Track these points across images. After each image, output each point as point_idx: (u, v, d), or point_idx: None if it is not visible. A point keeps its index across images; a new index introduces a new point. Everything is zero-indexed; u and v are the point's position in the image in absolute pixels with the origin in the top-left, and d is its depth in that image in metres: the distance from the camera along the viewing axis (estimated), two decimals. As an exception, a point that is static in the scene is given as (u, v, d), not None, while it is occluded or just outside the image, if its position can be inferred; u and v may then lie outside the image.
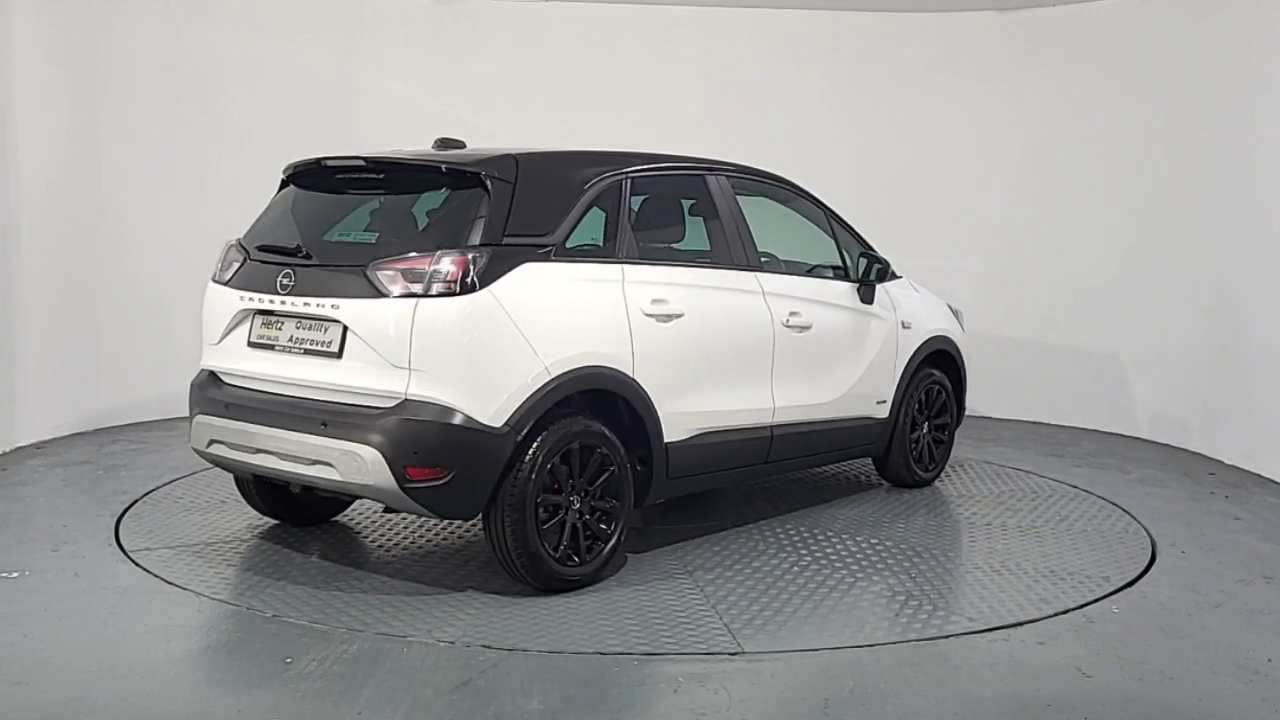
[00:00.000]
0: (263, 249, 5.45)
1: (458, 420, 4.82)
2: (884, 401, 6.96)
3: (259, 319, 5.31)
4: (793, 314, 6.25)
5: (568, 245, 5.24)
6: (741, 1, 9.58)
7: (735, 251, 6.10)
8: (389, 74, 9.48)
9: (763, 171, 6.63)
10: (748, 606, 5.05)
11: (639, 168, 5.75)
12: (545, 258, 5.11)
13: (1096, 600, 5.23)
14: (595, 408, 5.27)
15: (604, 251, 5.46)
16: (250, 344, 5.34)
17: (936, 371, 7.36)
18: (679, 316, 5.58)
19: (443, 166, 5.22)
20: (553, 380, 5.03)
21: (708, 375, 5.76)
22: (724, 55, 9.77)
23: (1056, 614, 5.04)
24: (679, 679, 4.26)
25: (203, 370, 5.63)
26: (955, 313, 7.69)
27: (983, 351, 9.78)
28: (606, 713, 3.98)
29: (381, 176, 5.56)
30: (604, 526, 5.30)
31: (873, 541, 6.11)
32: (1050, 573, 5.60)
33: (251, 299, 5.32)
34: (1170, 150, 8.75)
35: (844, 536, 6.18)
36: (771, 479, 7.17)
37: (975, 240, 9.75)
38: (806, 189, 6.88)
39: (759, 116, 9.68)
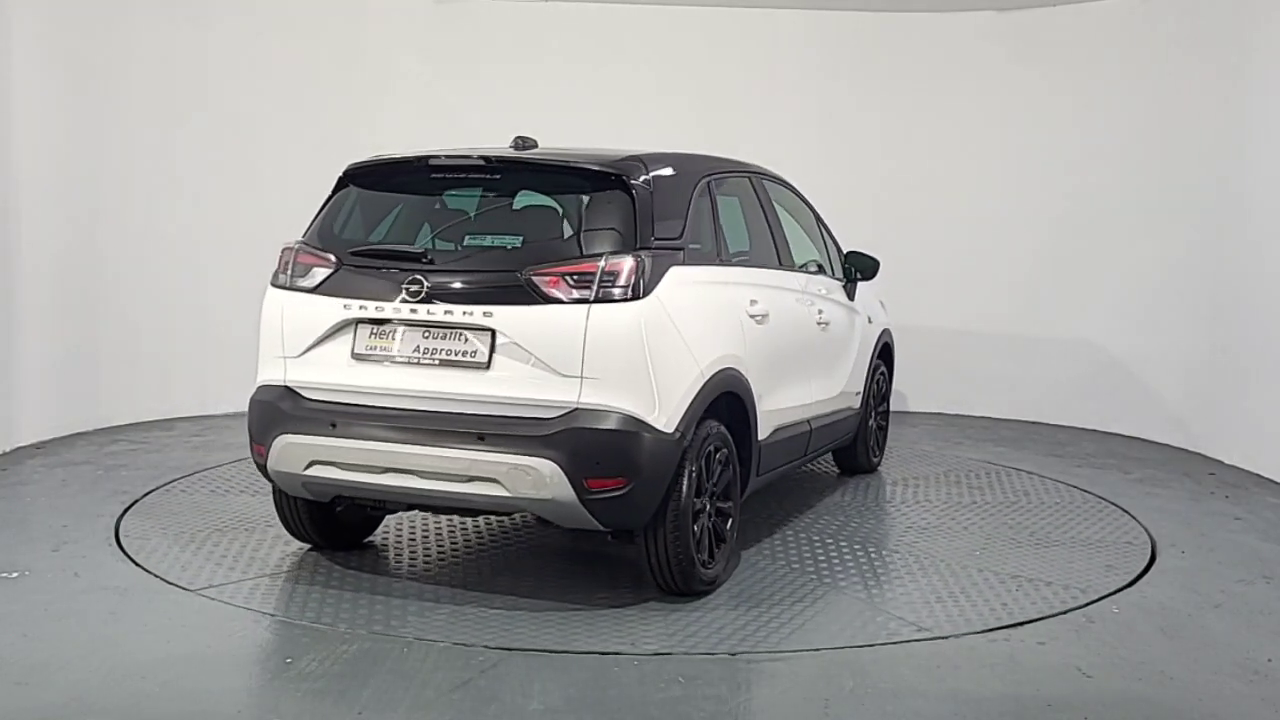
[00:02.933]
0: (369, 254, 5.11)
1: (637, 428, 4.71)
2: (858, 393, 7.26)
3: (367, 328, 4.97)
4: (820, 312, 6.50)
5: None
6: (741, 1, 9.58)
7: (781, 252, 6.29)
8: (389, 74, 9.48)
9: (766, 169, 6.69)
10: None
11: (714, 170, 5.80)
12: (682, 261, 5.08)
13: (1096, 600, 5.23)
14: (716, 410, 5.23)
15: (709, 254, 5.43)
16: (355, 356, 4.97)
17: (881, 363, 7.72)
18: (767, 317, 5.68)
19: (583, 167, 5.09)
20: (707, 384, 5.04)
21: (783, 374, 5.90)
22: (724, 55, 9.77)
23: (1056, 614, 5.04)
24: (679, 679, 4.26)
25: (270, 385, 5.17)
26: (881, 304, 7.93)
27: (983, 351, 9.81)
28: (606, 713, 3.98)
29: (498, 177, 5.26)
30: (724, 528, 5.31)
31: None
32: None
33: (363, 307, 4.95)
34: (1170, 150, 8.75)
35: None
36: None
37: (974, 240, 9.75)
38: (795, 185, 6.97)
39: (758, 116, 9.68)
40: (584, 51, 9.67)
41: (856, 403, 7.19)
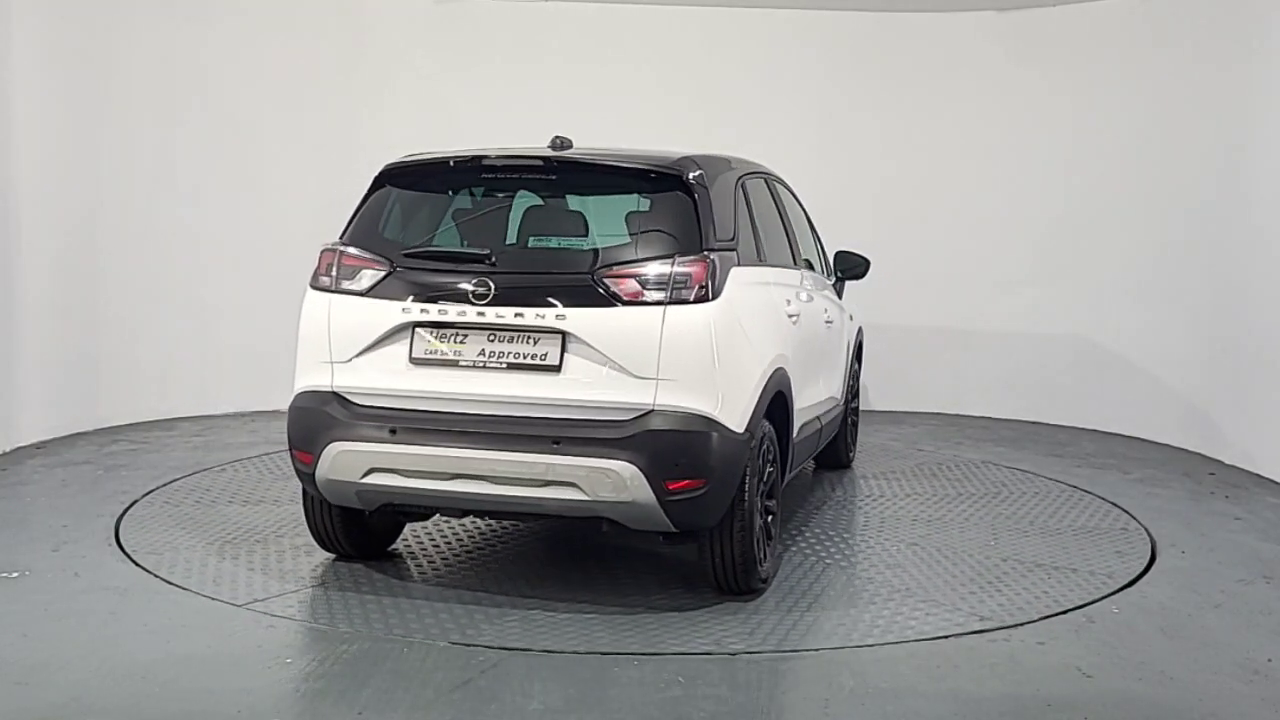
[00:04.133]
0: (427, 256, 5.02)
1: (713, 429, 4.70)
2: (843, 389, 7.39)
3: (427, 332, 4.86)
4: (825, 310, 6.59)
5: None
6: (741, 1, 9.58)
7: (795, 252, 6.37)
8: (389, 74, 9.49)
9: (770, 169, 6.73)
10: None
11: (745, 171, 5.84)
12: (737, 262, 5.09)
13: (1096, 600, 5.23)
14: (770, 410, 5.23)
15: (752, 254, 5.43)
16: (414, 360, 4.85)
17: (856, 360, 7.86)
18: (799, 317, 5.73)
19: (643, 168, 5.09)
20: (767, 384, 5.08)
21: (809, 373, 5.99)
22: (724, 55, 9.77)
23: (1056, 614, 5.04)
24: (679, 679, 4.26)
25: (315, 391, 5.02)
26: None
27: (983, 351, 9.81)
28: (606, 713, 3.98)
29: (554, 178, 5.23)
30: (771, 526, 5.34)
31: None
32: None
33: (424, 311, 4.84)
34: (1169, 150, 8.75)
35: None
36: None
37: (974, 239, 9.75)
38: (789, 184, 7.01)
39: (758, 116, 9.68)
40: (584, 51, 9.67)
41: (840, 397, 7.31)
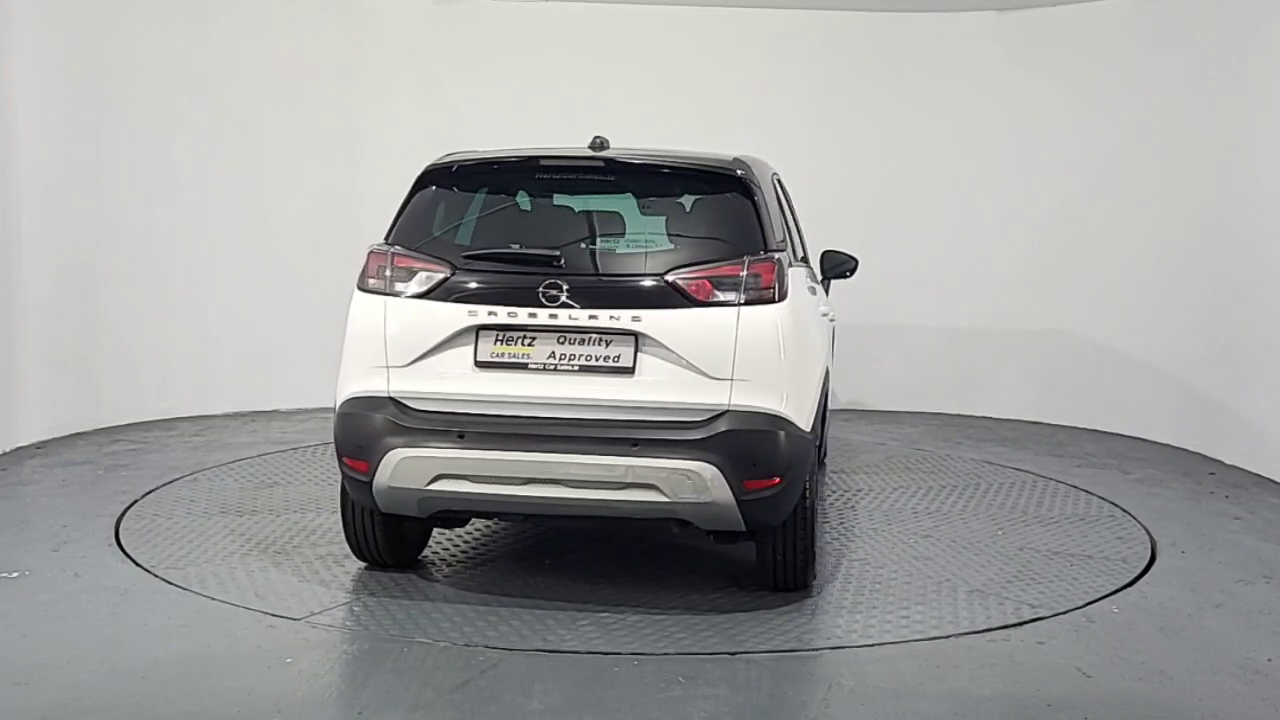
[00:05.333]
0: (492, 258, 4.95)
1: (786, 428, 4.74)
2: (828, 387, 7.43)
3: (492, 335, 4.78)
4: (828, 310, 6.68)
5: None
6: (741, 1, 9.58)
7: (804, 250, 6.45)
8: (389, 74, 9.49)
9: None
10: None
11: (771, 169, 5.91)
12: (791, 263, 5.13)
13: (1096, 600, 5.23)
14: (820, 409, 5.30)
15: (792, 255, 5.49)
16: (480, 364, 4.77)
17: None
18: (828, 315, 5.74)
19: (703, 169, 5.14)
20: (824, 382, 5.15)
21: (828, 372, 6.08)
22: (724, 55, 9.77)
23: (1056, 614, 5.04)
24: (679, 679, 4.26)
25: (369, 397, 4.86)
26: None
27: (983, 351, 9.81)
28: (606, 713, 3.98)
29: (613, 178, 5.24)
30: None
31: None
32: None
33: (492, 314, 4.76)
34: (1168, 150, 8.74)
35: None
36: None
37: (974, 240, 9.74)
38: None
39: (758, 116, 9.68)
40: (583, 51, 9.67)
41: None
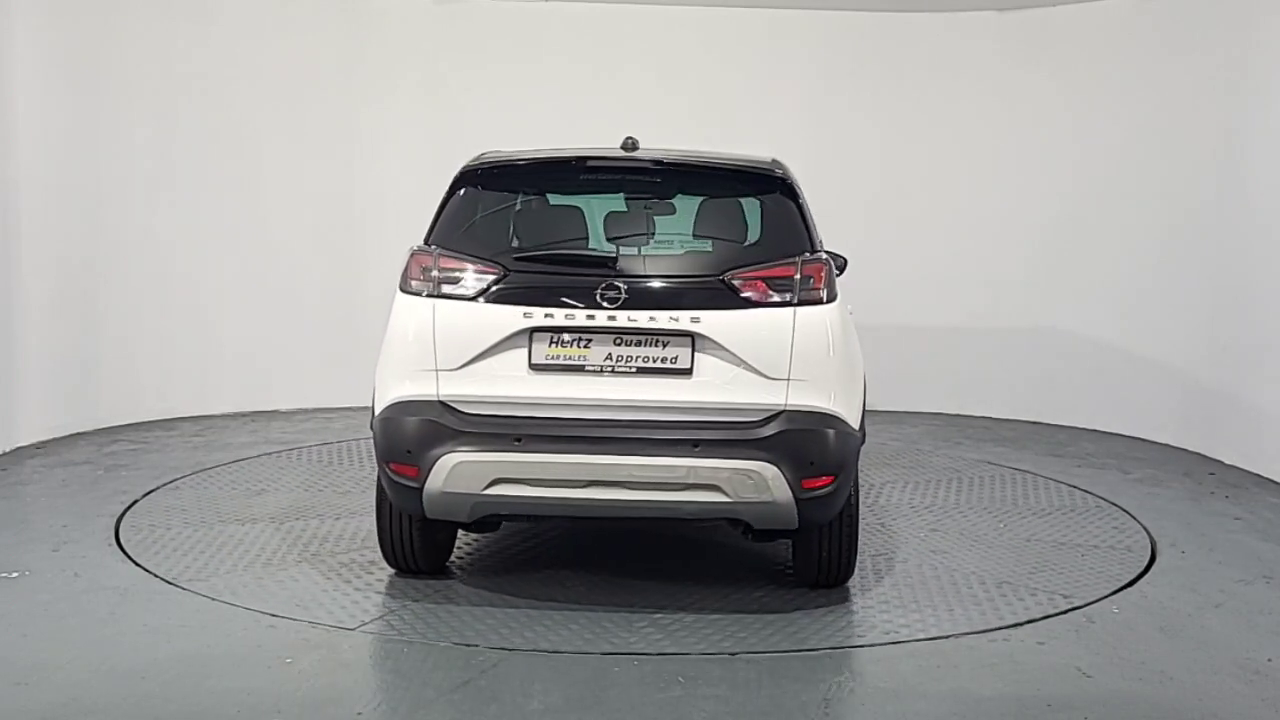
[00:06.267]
0: (545, 259, 4.97)
1: (839, 427, 4.77)
2: None
3: (546, 337, 4.73)
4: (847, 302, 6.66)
5: None
6: (741, 1, 9.58)
7: None
8: (389, 73, 9.48)
9: None
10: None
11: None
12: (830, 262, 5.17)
13: (1096, 600, 5.23)
14: None
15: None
16: (534, 366, 4.72)
17: None
18: (852, 313, 5.74)
19: (750, 170, 5.20)
20: (865, 381, 5.14)
21: None
22: (724, 55, 9.76)
23: (1056, 614, 5.04)
24: (679, 679, 4.26)
25: (416, 401, 4.74)
26: None
27: (982, 351, 9.80)
28: (606, 713, 3.98)
29: (659, 180, 5.28)
30: None
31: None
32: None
33: (549, 315, 4.71)
34: (1168, 150, 8.74)
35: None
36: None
37: (974, 239, 9.74)
38: None
39: (758, 116, 9.66)
40: (584, 51, 9.66)
41: None
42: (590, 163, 5.20)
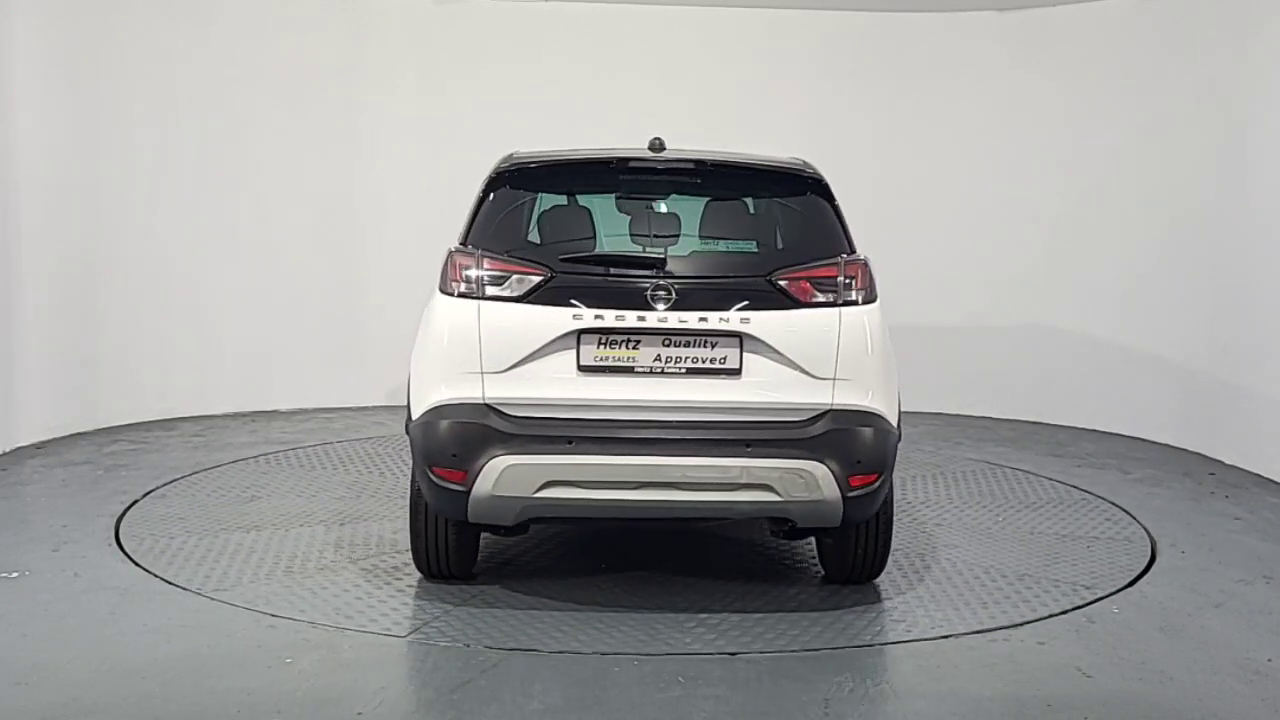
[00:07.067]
0: (593, 260, 4.96)
1: (883, 425, 4.82)
2: None
3: (594, 338, 4.70)
4: None
5: None
6: (741, 1, 9.58)
7: None
8: (389, 73, 9.48)
9: None
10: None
11: None
12: None
13: (1096, 600, 5.23)
14: None
15: None
16: (583, 368, 4.69)
17: None
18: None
19: (787, 172, 5.27)
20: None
21: None
22: (724, 55, 9.76)
23: (1056, 614, 5.04)
24: (679, 679, 4.26)
25: (461, 404, 4.68)
26: None
27: (982, 351, 9.80)
28: (606, 713, 3.98)
29: (699, 181, 5.30)
30: None
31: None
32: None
33: (599, 317, 4.68)
34: (1168, 150, 8.74)
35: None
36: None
37: (973, 240, 9.74)
38: None
39: (758, 116, 9.67)
40: (584, 52, 9.66)
41: None
42: (631, 163, 5.16)
